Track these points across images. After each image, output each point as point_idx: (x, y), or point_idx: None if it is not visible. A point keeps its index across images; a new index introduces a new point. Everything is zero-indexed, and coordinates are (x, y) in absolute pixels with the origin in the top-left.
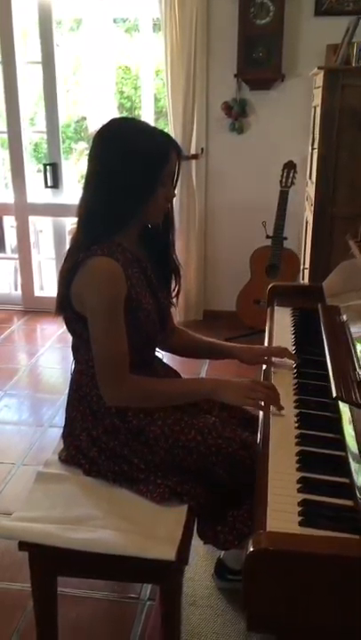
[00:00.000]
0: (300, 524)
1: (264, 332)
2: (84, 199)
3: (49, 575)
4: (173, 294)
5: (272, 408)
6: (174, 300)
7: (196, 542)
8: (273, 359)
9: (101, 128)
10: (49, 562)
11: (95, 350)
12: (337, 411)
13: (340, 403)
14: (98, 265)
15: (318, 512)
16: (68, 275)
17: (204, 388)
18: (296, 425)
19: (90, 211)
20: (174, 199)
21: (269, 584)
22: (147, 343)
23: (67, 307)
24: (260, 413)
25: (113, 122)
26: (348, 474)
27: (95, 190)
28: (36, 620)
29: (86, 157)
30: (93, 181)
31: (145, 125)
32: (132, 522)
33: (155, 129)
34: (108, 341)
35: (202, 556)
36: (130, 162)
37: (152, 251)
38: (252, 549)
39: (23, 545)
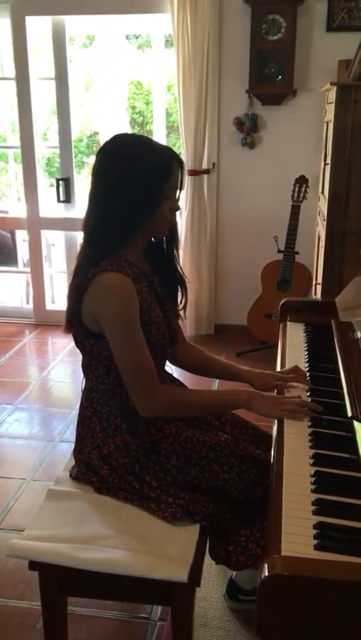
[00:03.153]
0: (316, 547)
1: (276, 346)
2: (89, 214)
3: (59, 595)
4: (181, 307)
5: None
6: (182, 312)
7: (208, 561)
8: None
9: (104, 144)
10: (59, 582)
11: (122, 365)
12: (352, 430)
13: (355, 422)
14: (110, 281)
15: (334, 535)
16: (77, 291)
17: (238, 399)
18: (310, 444)
19: (96, 226)
20: (186, 213)
21: (284, 610)
22: (156, 356)
23: (76, 323)
24: (274, 431)
25: (115, 138)
26: None
27: (100, 206)
28: (45, 639)
29: None
30: (98, 197)
31: (147, 140)
32: (142, 541)
33: (156, 143)
34: (134, 354)
35: (213, 576)
36: (133, 177)
37: (157, 264)
38: (266, 574)
39: (33, 564)
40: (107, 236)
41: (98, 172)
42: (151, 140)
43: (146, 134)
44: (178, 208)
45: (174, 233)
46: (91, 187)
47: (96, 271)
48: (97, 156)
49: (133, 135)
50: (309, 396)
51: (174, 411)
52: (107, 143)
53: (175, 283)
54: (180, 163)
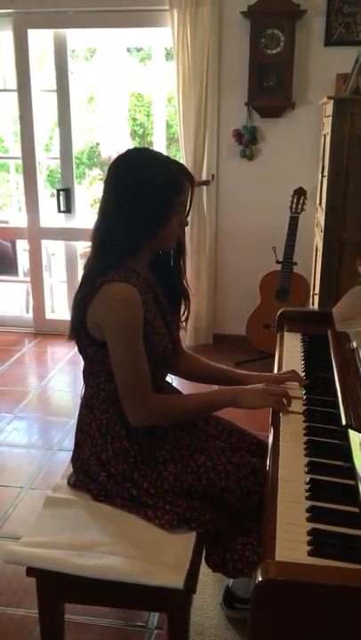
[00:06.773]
0: (310, 553)
1: (274, 356)
2: (99, 226)
3: (56, 601)
4: (183, 319)
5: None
6: (183, 324)
7: (205, 570)
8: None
9: (117, 158)
10: (56, 588)
11: (118, 373)
12: (347, 438)
13: (349, 430)
14: (116, 291)
15: (328, 541)
16: (83, 299)
17: (224, 398)
18: (305, 452)
19: (105, 238)
20: None
21: (277, 614)
22: (159, 367)
23: (81, 330)
24: (270, 440)
25: (129, 152)
26: (359, 503)
27: (111, 219)
28: None
29: (98, 183)
30: (109, 210)
31: (160, 156)
32: (139, 548)
33: (169, 159)
34: (132, 364)
35: (210, 584)
36: (145, 192)
37: (163, 275)
38: (260, 579)
39: (31, 571)
40: (115, 248)
41: (109, 186)
42: (163, 155)
43: (147, 146)
44: (187, 223)
45: (182, 246)
46: (102, 199)
47: (104, 280)
48: (109, 169)
49: (146, 150)
50: (305, 404)
51: (163, 420)
52: (120, 157)
53: (179, 294)
54: (192, 179)
